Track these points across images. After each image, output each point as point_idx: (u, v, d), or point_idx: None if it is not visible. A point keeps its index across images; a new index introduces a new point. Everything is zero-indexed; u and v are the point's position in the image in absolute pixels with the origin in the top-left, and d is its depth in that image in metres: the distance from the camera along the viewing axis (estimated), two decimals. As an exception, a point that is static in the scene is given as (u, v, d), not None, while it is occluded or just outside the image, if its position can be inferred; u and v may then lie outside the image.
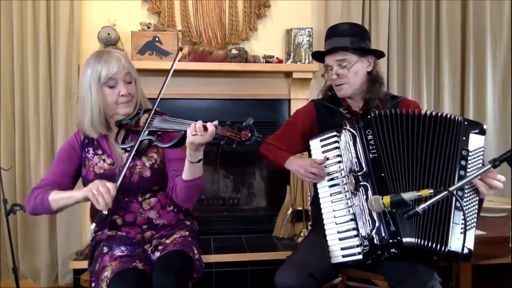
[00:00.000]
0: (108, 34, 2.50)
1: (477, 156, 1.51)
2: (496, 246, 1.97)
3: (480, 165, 1.49)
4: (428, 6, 2.85)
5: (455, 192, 1.33)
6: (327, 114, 1.79)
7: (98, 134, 1.60)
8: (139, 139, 1.51)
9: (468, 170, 1.48)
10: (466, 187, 1.45)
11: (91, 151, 1.63)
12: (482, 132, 1.53)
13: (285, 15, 2.79)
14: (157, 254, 1.57)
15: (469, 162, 1.49)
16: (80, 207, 2.57)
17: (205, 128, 1.38)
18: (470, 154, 1.49)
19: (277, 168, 1.82)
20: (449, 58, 2.89)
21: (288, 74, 2.75)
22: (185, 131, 1.42)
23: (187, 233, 1.67)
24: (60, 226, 2.58)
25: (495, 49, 2.95)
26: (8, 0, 2.51)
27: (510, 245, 1.41)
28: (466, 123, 1.54)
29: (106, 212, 1.39)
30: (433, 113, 1.55)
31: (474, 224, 1.45)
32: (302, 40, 2.69)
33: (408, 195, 1.26)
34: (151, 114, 1.54)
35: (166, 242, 1.61)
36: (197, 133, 1.37)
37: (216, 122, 1.42)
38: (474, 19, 2.89)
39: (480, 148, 1.51)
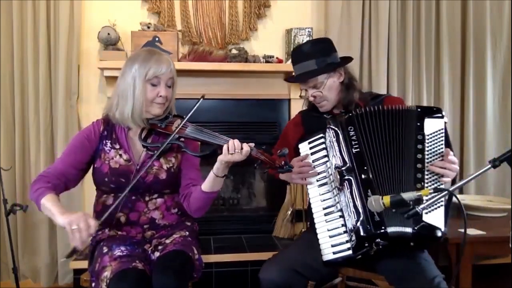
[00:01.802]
0: (108, 34, 2.50)
1: (437, 139, 1.55)
2: (496, 246, 1.98)
3: (442, 146, 1.54)
4: (428, 6, 2.84)
5: (454, 191, 1.34)
6: (314, 122, 1.81)
7: (136, 126, 1.61)
8: (168, 142, 1.54)
9: (426, 153, 1.53)
10: (426, 169, 1.51)
11: (108, 144, 1.63)
12: (439, 115, 1.58)
13: (285, 15, 2.80)
14: (157, 254, 1.57)
15: (427, 145, 1.54)
16: (80, 208, 2.57)
17: (241, 147, 1.43)
18: (426, 138, 1.55)
19: (276, 177, 1.85)
20: (449, 58, 2.89)
21: (288, 74, 2.75)
22: (218, 145, 1.47)
23: (187, 233, 1.67)
24: (60, 226, 2.58)
25: (495, 49, 2.95)
26: (8, 0, 2.51)
27: (510, 245, 1.41)
28: (419, 110, 1.61)
29: (81, 248, 1.37)
30: (399, 107, 1.62)
31: (439, 205, 1.47)
32: (302, 40, 2.68)
33: (408, 195, 1.27)
34: (184, 121, 1.56)
35: (166, 242, 1.61)
36: (234, 152, 1.42)
37: (252, 144, 1.46)
38: (474, 19, 2.89)
39: (439, 130, 1.56)
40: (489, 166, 1.27)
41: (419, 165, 1.52)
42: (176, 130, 1.55)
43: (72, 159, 1.60)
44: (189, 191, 1.61)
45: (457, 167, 1.52)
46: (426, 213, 1.46)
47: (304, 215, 2.66)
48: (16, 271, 2.24)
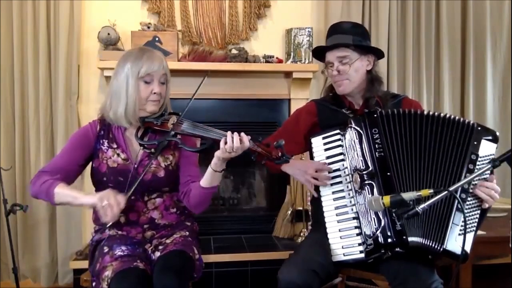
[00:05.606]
0: (108, 34, 2.50)
1: (486, 162, 1.50)
2: (496, 246, 1.98)
3: (488, 172, 1.48)
4: (428, 6, 2.85)
5: (458, 193, 1.34)
6: (330, 114, 1.77)
7: (129, 124, 1.61)
8: (166, 139, 1.53)
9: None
10: (470, 192, 1.46)
11: (105, 144, 1.63)
12: (495, 140, 1.55)
13: (285, 15, 2.79)
14: (158, 254, 1.57)
15: (477, 167, 1.49)
16: (80, 209, 2.57)
17: (240, 146, 1.42)
18: (479, 159, 1.50)
19: (274, 171, 1.81)
20: (449, 58, 2.89)
21: (288, 74, 2.75)
22: (214, 140, 1.46)
23: (187, 233, 1.67)
24: (60, 226, 2.58)
25: (495, 49, 2.95)
26: (8, 0, 2.51)
27: (510, 245, 1.42)
28: (479, 128, 1.55)
29: (109, 224, 1.43)
30: (442, 114, 1.56)
31: (474, 228, 1.46)
32: (302, 40, 2.69)
33: (408, 195, 1.26)
34: (181, 117, 1.57)
35: (166, 242, 1.61)
36: (233, 151, 1.41)
37: (248, 137, 1.45)
38: (474, 19, 2.89)
39: (490, 155, 1.52)
40: (489, 166, 1.28)
41: (466, 185, 1.46)
42: (173, 127, 1.53)
43: (73, 155, 1.62)
44: (188, 188, 1.61)
45: (498, 196, 1.47)
46: (460, 234, 1.44)
47: (304, 215, 2.66)
48: (16, 271, 2.24)
